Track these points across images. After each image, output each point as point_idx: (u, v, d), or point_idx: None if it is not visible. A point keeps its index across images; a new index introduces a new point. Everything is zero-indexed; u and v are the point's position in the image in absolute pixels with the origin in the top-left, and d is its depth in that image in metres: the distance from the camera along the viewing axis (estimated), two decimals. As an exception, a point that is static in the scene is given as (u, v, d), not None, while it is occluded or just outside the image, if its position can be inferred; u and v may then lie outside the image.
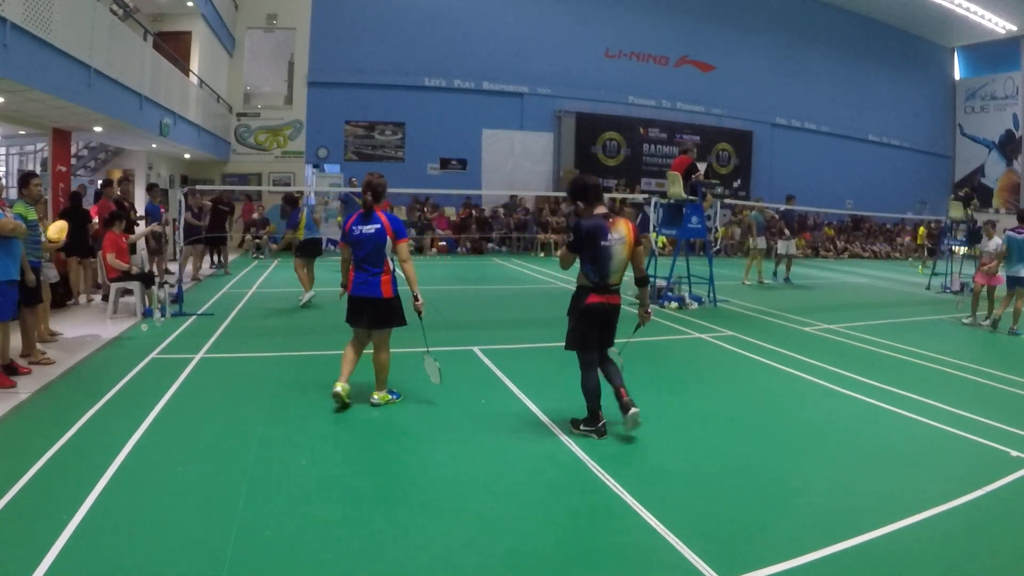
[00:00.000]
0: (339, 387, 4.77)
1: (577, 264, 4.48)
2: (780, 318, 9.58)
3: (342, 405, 4.77)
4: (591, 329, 4.39)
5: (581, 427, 4.43)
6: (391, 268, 4.86)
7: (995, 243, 9.27)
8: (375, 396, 4.92)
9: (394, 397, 5.04)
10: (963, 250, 14.25)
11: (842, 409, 5.33)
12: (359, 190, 13.75)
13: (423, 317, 4.95)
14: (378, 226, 4.78)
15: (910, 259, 22.88)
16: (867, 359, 7.13)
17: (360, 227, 4.80)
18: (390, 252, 4.84)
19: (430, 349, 5.22)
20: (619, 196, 21.26)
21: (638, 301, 4.71)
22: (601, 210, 4.38)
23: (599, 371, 4.48)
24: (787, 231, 14.33)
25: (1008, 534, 3.32)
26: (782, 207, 15.12)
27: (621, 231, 4.33)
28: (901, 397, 5.63)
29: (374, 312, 4.83)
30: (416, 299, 4.84)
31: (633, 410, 4.30)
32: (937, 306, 11.23)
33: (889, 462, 4.23)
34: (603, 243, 4.25)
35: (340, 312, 4.63)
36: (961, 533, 3.32)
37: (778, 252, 14.43)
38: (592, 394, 4.39)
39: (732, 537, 3.19)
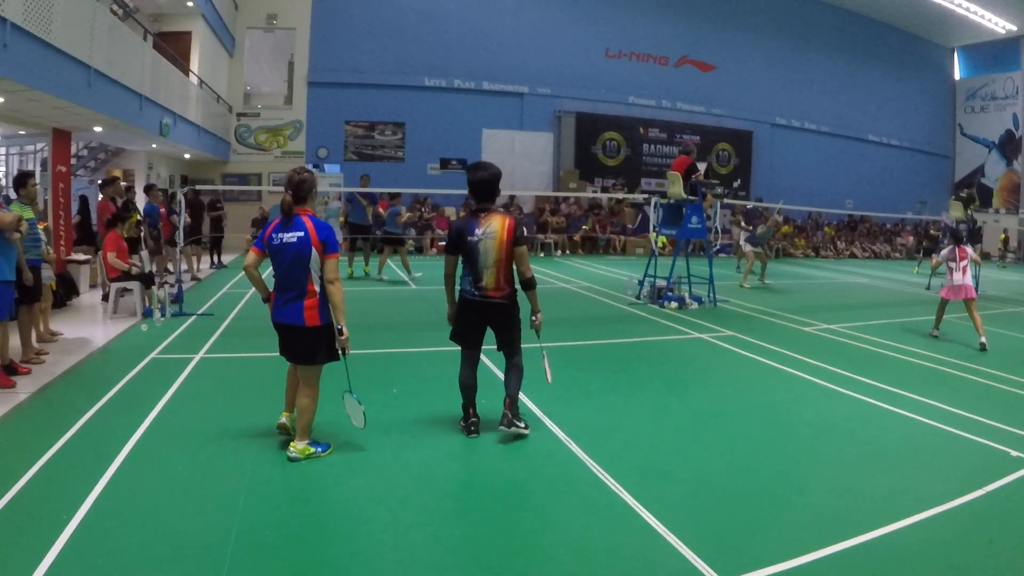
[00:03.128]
0: (284, 417, 4.17)
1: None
2: (780, 318, 9.58)
3: (288, 435, 4.11)
4: (463, 325, 4.33)
5: (460, 422, 4.44)
6: (316, 290, 3.86)
7: (946, 251, 8.28)
8: (292, 449, 3.91)
9: (319, 450, 3.96)
10: (971, 250, 14.18)
11: (842, 409, 5.33)
12: (368, 190, 13.81)
13: (347, 356, 4.00)
14: (301, 234, 3.80)
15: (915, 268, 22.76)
16: (867, 359, 7.13)
17: (280, 234, 3.84)
18: (317, 268, 3.87)
19: (351, 390, 4.18)
20: (619, 196, 21.31)
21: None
22: (484, 205, 4.20)
23: (504, 373, 4.41)
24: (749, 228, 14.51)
25: (1008, 534, 3.31)
26: (749, 205, 15.24)
27: (492, 226, 4.12)
28: (901, 397, 5.63)
29: (295, 343, 3.95)
30: (340, 333, 3.90)
31: (505, 429, 4.27)
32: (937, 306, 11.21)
33: (889, 462, 4.23)
34: (470, 238, 4.11)
35: None
36: (961, 533, 3.32)
37: (744, 251, 14.46)
38: (462, 388, 4.39)
39: (732, 537, 3.19)
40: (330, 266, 3.86)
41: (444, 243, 4.16)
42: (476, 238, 4.10)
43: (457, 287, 4.37)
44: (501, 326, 4.30)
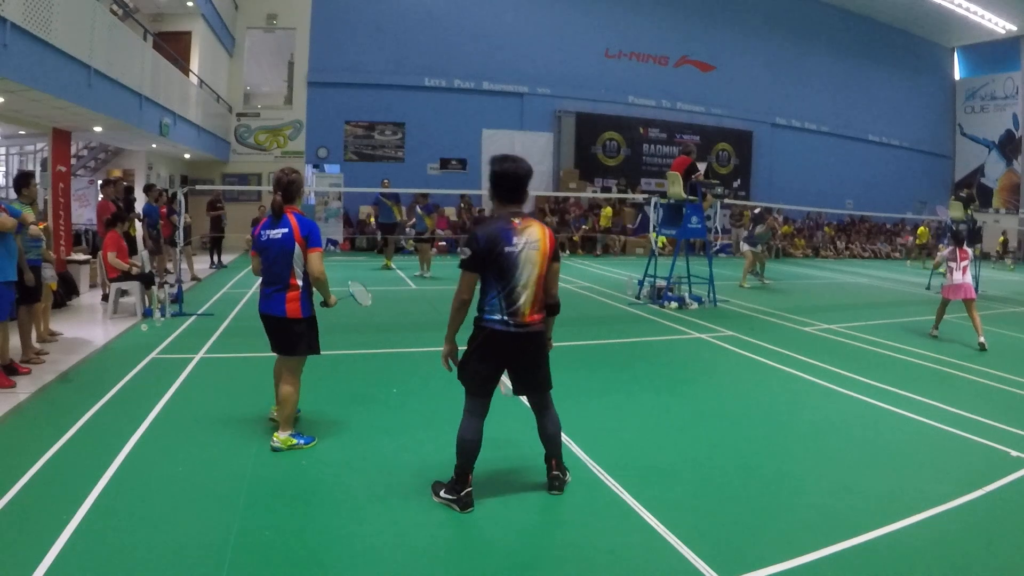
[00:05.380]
0: (274, 411, 4.32)
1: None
2: (780, 318, 9.58)
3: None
4: (487, 365, 3.36)
5: (442, 494, 3.42)
6: (299, 284, 4.06)
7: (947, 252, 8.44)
8: (275, 439, 4.05)
9: (301, 442, 4.08)
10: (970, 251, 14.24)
11: (842, 409, 5.33)
12: (390, 190, 14.72)
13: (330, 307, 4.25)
14: (285, 230, 4.01)
15: (908, 261, 22.84)
16: (867, 359, 7.13)
17: (268, 231, 4.07)
18: (300, 263, 4.05)
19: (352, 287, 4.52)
20: (619, 196, 21.30)
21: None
22: (512, 209, 3.39)
23: (538, 428, 3.59)
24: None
25: (1008, 534, 3.31)
26: (757, 209, 15.32)
27: (534, 235, 3.32)
28: (901, 397, 5.63)
29: (278, 334, 4.12)
30: (326, 304, 4.20)
31: (558, 493, 3.55)
32: (937, 306, 11.22)
33: (889, 462, 4.23)
34: (507, 248, 3.25)
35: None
36: (961, 533, 3.32)
37: (743, 251, 14.53)
38: (464, 448, 3.38)
39: (732, 537, 3.19)
40: (313, 259, 4.05)
41: (464, 254, 3.33)
42: (515, 248, 3.26)
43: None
44: (536, 362, 3.45)
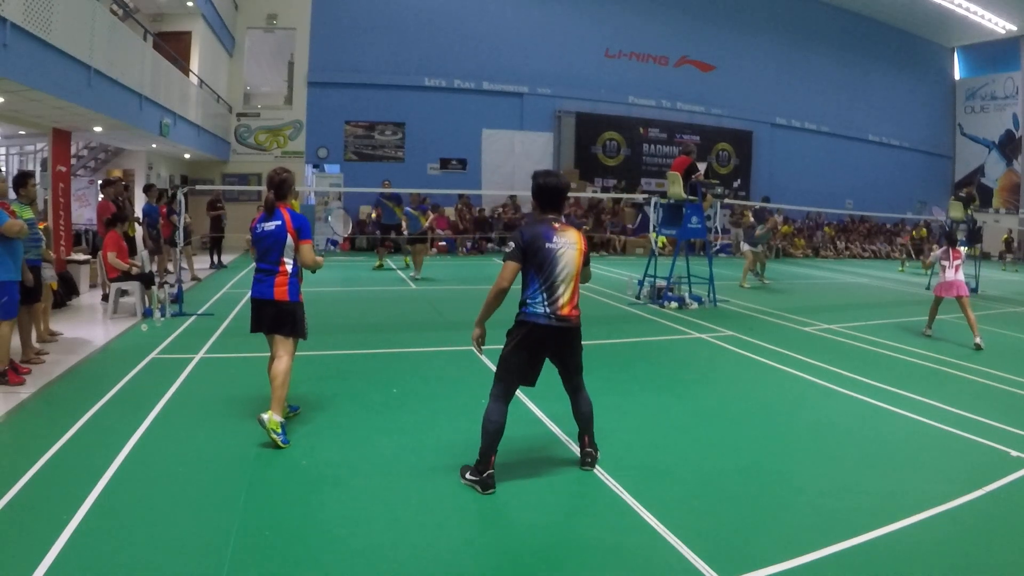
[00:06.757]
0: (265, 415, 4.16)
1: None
2: (780, 318, 9.59)
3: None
4: (527, 356, 3.71)
5: (467, 475, 3.67)
6: (288, 270, 4.33)
7: (938, 252, 8.54)
8: (265, 414, 4.09)
9: (281, 438, 4.07)
10: (964, 250, 14.26)
11: (842, 409, 5.33)
12: (390, 190, 15.14)
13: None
14: (279, 222, 4.30)
15: (901, 266, 22.75)
16: (867, 359, 7.13)
17: (262, 224, 4.36)
18: (290, 253, 4.33)
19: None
20: (618, 196, 21.31)
21: None
22: (551, 215, 3.80)
23: (573, 409, 3.95)
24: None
25: (1008, 534, 3.31)
26: (756, 206, 15.36)
27: (571, 237, 3.76)
28: (901, 397, 5.63)
29: (269, 316, 4.35)
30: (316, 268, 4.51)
31: (591, 468, 3.88)
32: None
33: (889, 462, 4.23)
34: (548, 245, 3.66)
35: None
36: (961, 533, 3.32)
37: (743, 251, 14.54)
38: (488, 430, 3.62)
39: (732, 537, 3.19)
40: (305, 250, 4.35)
41: (507, 250, 3.72)
42: (556, 246, 3.66)
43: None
44: (573, 351, 3.86)
